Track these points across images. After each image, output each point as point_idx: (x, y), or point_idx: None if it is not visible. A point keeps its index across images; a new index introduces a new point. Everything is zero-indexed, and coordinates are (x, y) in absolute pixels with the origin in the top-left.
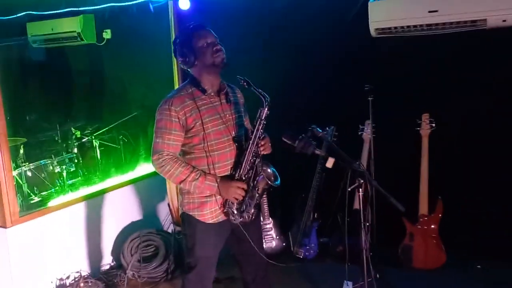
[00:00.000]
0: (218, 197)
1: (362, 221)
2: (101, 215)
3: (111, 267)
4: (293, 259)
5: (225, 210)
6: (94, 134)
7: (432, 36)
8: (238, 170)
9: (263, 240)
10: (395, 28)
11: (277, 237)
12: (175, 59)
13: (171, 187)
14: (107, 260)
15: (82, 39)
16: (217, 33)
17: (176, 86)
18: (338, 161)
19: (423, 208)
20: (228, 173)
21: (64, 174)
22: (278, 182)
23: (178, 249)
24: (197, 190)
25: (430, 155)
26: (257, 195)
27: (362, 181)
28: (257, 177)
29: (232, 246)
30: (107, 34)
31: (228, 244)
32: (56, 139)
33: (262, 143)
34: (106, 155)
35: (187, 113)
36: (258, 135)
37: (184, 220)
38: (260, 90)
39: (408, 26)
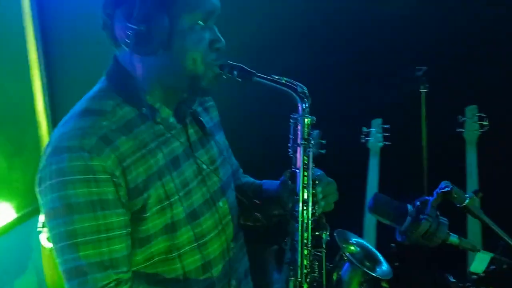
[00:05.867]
0: None
1: None
2: None
3: None
4: None
5: None
6: None
7: None
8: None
9: None
10: None
11: None
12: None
13: (45, 253)
14: None
15: None
16: None
17: (35, 82)
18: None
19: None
20: None
21: None
22: (386, 267)
23: None
24: None
25: (480, 171)
26: None
27: None
28: (340, 272)
29: None
30: None
31: None
32: None
33: (320, 190)
34: None
35: (128, 172)
36: (308, 182)
37: None
38: (276, 77)
39: None
